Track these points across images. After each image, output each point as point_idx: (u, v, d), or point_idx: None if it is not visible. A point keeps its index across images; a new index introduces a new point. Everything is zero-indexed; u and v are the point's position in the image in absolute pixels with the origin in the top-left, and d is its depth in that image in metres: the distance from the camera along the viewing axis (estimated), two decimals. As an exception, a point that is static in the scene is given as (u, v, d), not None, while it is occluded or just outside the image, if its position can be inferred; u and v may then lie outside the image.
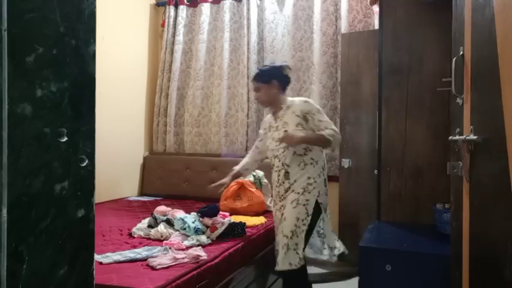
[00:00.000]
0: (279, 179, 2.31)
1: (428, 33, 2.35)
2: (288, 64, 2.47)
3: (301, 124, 2.24)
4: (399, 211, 2.39)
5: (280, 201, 2.31)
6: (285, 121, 2.29)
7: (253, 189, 3.11)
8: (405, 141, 2.39)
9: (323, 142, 2.20)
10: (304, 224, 2.19)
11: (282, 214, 2.26)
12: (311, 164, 2.25)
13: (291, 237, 2.18)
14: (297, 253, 2.17)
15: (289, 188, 2.26)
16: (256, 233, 2.59)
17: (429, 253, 1.86)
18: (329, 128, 2.20)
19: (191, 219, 2.38)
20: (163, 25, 4.17)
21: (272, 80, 2.30)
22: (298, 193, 2.23)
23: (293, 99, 2.35)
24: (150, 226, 2.43)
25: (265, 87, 2.32)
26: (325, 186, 2.30)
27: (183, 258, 1.95)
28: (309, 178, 2.24)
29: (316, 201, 2.22)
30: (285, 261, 2.16)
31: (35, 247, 0.55)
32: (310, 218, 2.19)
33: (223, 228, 2.38)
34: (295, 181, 2.25)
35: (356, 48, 3.23)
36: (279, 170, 2.30)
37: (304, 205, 2.20)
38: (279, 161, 2.30)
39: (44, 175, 0.56)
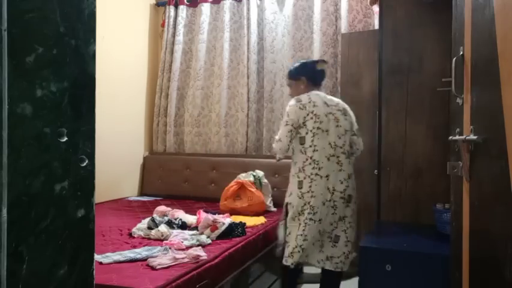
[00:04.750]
0: None
1: (428, 33, 2.35)
2: (322, 59, 2.49)
3: None
4: (399, 211, 2.39)
5: None
6: None
7: (253, 189, 3.10)
8: (405, 141, 2.39)
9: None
10: (282, 224, 2.28)
11: None
12: (293, 163, 2.28)
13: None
14: (283, 250, 2.26)
15: None
16: (256, 233, 2.58)
17: (429, 253, 1.86)
18: (278, 132, 2.31)
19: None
20: (163, 25, 4.17)
21: (300, 77, 2.36)
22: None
23: (313, 94, 2.31)
24: (149, 228, 2.43)
25: (293, 83, 2.40)
26: (300, 188, 2.20)
27: (183, 258, 1.95)
28: (290, 178, 2.29)
29: (286, 201, 2.26)
30: None
31: (35, 247, 0.55)
32: (284, 217, 2.27)
33: (223, 228, 2.38)
34: None
35: (356, 48, 3.23)
36: None
37: (284, 204, 2.30)
38: None
39: (44, 175, 0.56)
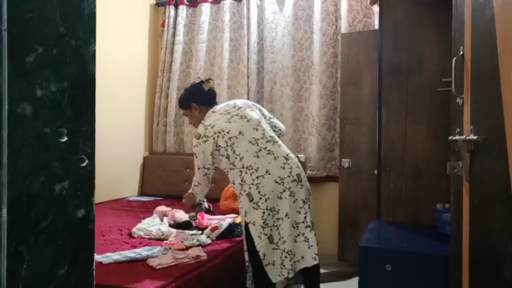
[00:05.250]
0: None
1: (428, 33, 2.35)
2: (206, 78, 2.42)
3: None
4: (399, 211, 2.39)
5: None
6: None
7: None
8: (405, 141, 2.38)
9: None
10: (244, 245, 2.12)
11: None
12: (233, 185, 2.17)
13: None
14: (248, 270, 2.12)
15: None
16: (256, 233, 2.58)
17: (429, 253, 1.86)
18: (194, 178, 2.26)
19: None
20: (163, 25, 4.17)
21: (191, 104, 2.33)
22: None
23: (206, 117, 2.27)
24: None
25: (188, 112, 2.38)
26: (251, 200, 2.02)
27: (183, 258, 1.95)
28: (238, 199, 2.14)
29: (246, 223, 2.05)
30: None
31: (35, 247, 0.55)
32: (245, 238, 2.08)
33: (223, 228, 2.37)
34: None
35: (356, 48, 3.23)
36: None
37: (244, 227, 2.11)
38: None
39: (44, 175, 0.56)
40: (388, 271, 1.86)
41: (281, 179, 2.05)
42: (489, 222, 1.09)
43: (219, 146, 2.15)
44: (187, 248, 2.13)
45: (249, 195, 2.04)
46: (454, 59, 1.39)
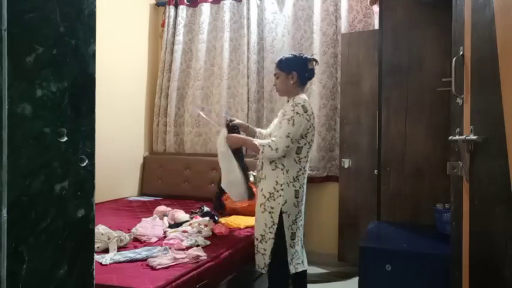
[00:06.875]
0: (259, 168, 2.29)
1: (428, 33, 2.35)
2: (315, 58, 2.32)
3: (280, 123, 2.17)
4: (399, 211, 2.39)
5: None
6: (278, 115, 2.28)
7: (254, 189, 3.10)
8: (405, 141, 2.38)
9: (256, 150, 2.18)
10: (270, 232, 2.14)
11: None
12: (281, 169, 2.15)
13: (260, 241, 2.18)
14: (263, 258, 2.16)
15: (261, 181, 2.24)
16: (256, 233, 2.58)
17: (429, 253, 1.86)
18: (275, 140, 2.10)
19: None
20: (163, 25, 4.17)
21: (292, 71, 2.21)
22: (265, 197, 2.17)
23: (298, 98, 2.18)
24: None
25: (283, 75, 2.24)
26: (296, 197, 2.15)
27: (183, 258, 1.95)
28: (276, 183, 2.15)
29: (281, 210, 2.13)
30: (256, 262, 2.22)
31: (35, 247, 0.55)
32: (276, 226, 2.13)
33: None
34: (265, 177, 2.20)
35: (356, 48, 3.23)
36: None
37: (269, 212, 2.14)
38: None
39: (44, 175, 0.56)
40: (388, 271, 1.86)
41: (305, 192, 2.27)
42: (489, 222, 1.09)
43: (306, 136, 2.17)
44: (187, 248, 2.13)
45: (296, 192, 2.18)
46: (454, 59, 1.39)
